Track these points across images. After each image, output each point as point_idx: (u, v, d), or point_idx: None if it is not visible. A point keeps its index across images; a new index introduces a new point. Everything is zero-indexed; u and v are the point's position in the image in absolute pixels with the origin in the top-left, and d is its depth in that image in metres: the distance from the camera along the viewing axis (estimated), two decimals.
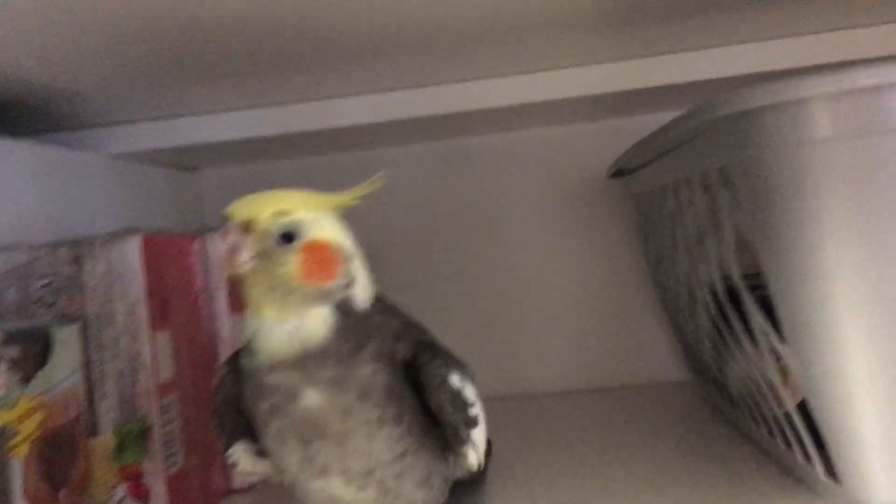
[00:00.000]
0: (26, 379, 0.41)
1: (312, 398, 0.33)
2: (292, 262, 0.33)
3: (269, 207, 0.34)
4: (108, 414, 0.48)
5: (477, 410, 0.37)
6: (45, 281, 0.49)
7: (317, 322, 0.33)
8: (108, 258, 0.48)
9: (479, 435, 0.37)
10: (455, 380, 0.35)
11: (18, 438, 0.40)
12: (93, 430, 0.48)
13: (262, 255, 0.33)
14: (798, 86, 0.33)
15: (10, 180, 0.54)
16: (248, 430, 0.38)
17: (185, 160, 0.78)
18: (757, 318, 0.41)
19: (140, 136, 0.68)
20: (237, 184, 0.83)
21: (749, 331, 0.43)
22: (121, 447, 0.48)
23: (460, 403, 0.35)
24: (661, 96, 0.68)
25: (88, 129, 0.68)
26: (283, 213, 0.34)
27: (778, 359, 0.41)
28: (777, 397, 0.43)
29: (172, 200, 0.78)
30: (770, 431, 0.48)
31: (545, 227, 0.79)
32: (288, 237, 0.33)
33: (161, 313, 0.50)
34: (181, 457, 0.50)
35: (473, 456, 0.37)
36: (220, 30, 0.48)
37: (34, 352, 0.42)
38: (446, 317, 0.80)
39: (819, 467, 0.41)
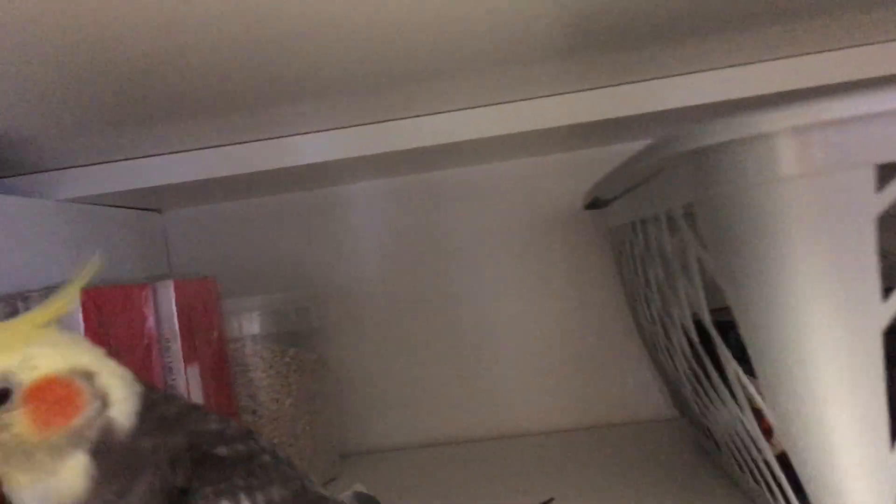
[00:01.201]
0: None
1: None
2: (18, 422, 0.28)
3: None
4: None
5: None
6: None
7: (70, 476, 0.28)
8: None
9: None
10: None
11: None
12: None
13: None
14: (760, 120, 0.31)
15: None
16: None
17: (147, 202, 0.76)
18: (732, 366, 0.38)
19: (95, 180, 0.65)
20: (203, 224, 0.81)
21: (725, 377, 0.41)
22: None
23: None
24: (636, 125, 0.66)
25: (39, 173, 0.65)
26: None
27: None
28: (757, 446, 0.41)
29: (136, 242, 0.76)
30: (754, 477, 0.46)
31: (519, 262, 0.77)
32: (1, 397, 0.28)
33: None
34: None
35: None
36: (177, 70, 0.46)
37: None
38: (417, 357, 0.78)
39: None
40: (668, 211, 0.40)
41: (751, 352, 0.35)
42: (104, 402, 0.29)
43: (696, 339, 0.42)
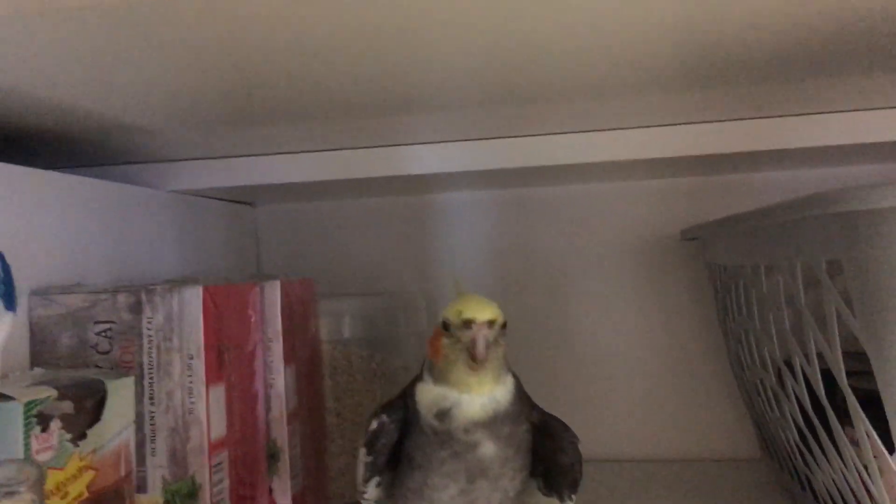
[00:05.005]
0: (79, 436, 0.39)
1: (489, 449, 0.42)
2: (503, 345, 0.43)
3: (492, 307, 0.43)
4: (156, 471, 0.46)
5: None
6: (102, 327, 0.47)
7: (506, 390, 0.43)
8: (168, 307, 0.47)
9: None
10: (579, 446, 0.45)
11: (67, 500, 0.38)
12: (140, 487, 0.46)
13: (493, 345, 0.42)
14: None
15: (71, 215, 0.53)
16: (387, 465, 0.46)
17: (243, 196, 0.77)
18: (861, 427, 0.37)
19: (200, 174, 0.67)
20: (293, 220, 0.82)
21: (830, 432, 0.40)
22: None
23: (581, 463, 0.45)
24: (741, 159, 0.65)
25: (148, 164, 0.67)
26: (496, 308, 0.43)
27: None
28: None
29: (229, 235, 0.77)
30: None
31: (614, 285, 0.77)
32: (504, 326, 0.43)
33: (217, 366, 0.48)
34: None
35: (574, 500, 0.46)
36: (292, 77, 0.46)
37: (88, 406, 0.40)
38: None
39: None
40: (807, 263, 0.39)
41: (889, 410, 0.35)
42: None
43: (822, 392, 0.41)
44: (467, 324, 0.42)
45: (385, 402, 0.46)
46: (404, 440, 0.45)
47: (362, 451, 0.45)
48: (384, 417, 0.45)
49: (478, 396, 0.42)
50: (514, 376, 0.44)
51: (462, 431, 0.42)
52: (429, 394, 0.43)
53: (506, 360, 0.44)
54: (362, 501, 0.47)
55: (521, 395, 0.44)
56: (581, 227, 0.77)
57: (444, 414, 0.42)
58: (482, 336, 0.41)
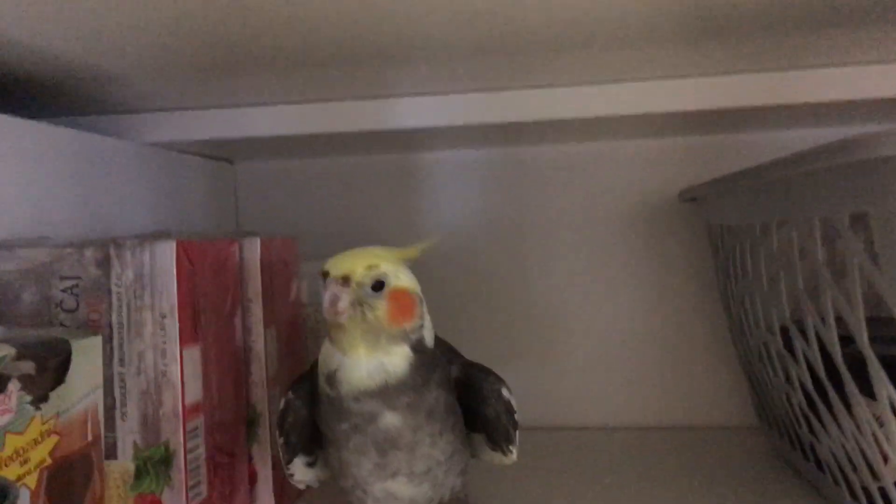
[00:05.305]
0: (41, 398, 0.36)
1: (391, 419, 0.39)
2: (381, 308, 0.39)
3: (361, 263, 0.39)
4: (127, 436, 0.43)
5: (518, 416, 0.43)
6: (68, 283, 0.44)
7: (398, 359, 0.39)
8: (139, 262, 0.43)
9: (518, 435, 0.44)
10: (505, 392, 0.43)
11: (28, 466, 0.35)
12: (110, 454, 0.43)
13: (357, 304, 0.39)
14: None
15: (37, 166, 0.49)
16: (304, 447, 0.44)
17: (222, 152, 0.73)
18: (886, 391, 0.35)
19: (176, 126, 0.63)
20: (274, 178, 0.79)
21: (845, 395, 0.38)
22: (140, 474, 0.43)
23: (511, 411, 0.43)
24: (740, 117, 0.62)
25: (121, 114, 0.63)
26: (372, 266, 0.39)
27: (880, 425, 0.36)
28: (874, 471, 0.38)
29: (207, 192, 0.73)
30: (853, 496, 0.43)
31: (605, 248, 0.74)
32: (377, 286, 0.39)
33: (192, 326, 0.45)
34: (204, 487, 0.46)
35: (515, 452, 0.44)
36: (276, 23, 0.43)
37: (51, 366, 0.37)
38: (490, 337, 0.75)
39: None
40: (826, 218, 0.37)
41: None
42: (422, 324, 0.41)
43: (839, 354, 0.39)
44: (324, 277, 0.39)
45: (298, 375, 0.44)
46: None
47: (276, 432, 0.44)
48: (290, 394, 0.43)
49: (364, 361, 0.39)
50: (418, 341, 0.40)
51: (352, 400, 0.39)
52: (323, 355, 0.41)
53: (406, 322, 0.40)
54: (294, 483, 0.45)
55: (424, 361, 0.40)
56: (574, 189, 0.74)
57: (332, 378, 0.40)
58: (330, 293, 0.38)
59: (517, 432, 0.43)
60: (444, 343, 0.44)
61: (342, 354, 0.39)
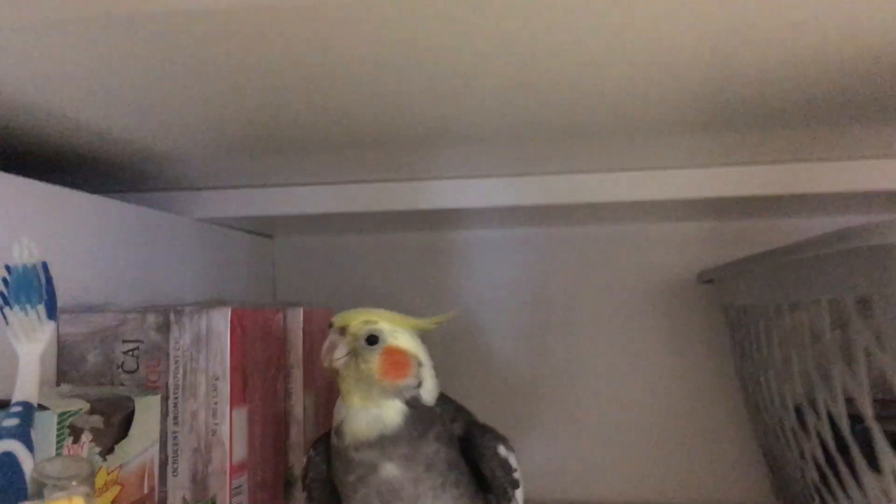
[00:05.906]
0: (107, 450, 0.39)
1: (390, 470, 0.41)
2: (374, 361, 0.42)
3: (360, 317, 0.43)
4: (177, 490, 0.46)
5: (518, 475, 0.45)
6: (130, 346, 0.47)
7: (392, 412, 0.42)
8: (195, 328, 0.47)
9: (520, 494, 0.45)
10: (502, 450, 0.44)
11: None
12: None
13: (353, 354, 0.43)
14: None
15: (102, 238, 0.53)
16: (329, 500, 0.46)
17: (263, 228, 0.78)
18: (889, 460, 0.38)
19: (224, 203, 0.68)
20: (310, 252, 0.83)
21: (856, 470, 0.40)
22: None
23: (507, 468, 0.44)
24: (757, 204, 0.66)
25: (173, 191, 0.68)
26: (369, 322, 0.43)
27: (889, 500, 0.38)
28: None
29: (249, 265, 0.78)
30: None
31: (626, 326, 0.77)
32: (372, 340, 0.43)
33: (241, 388, 0.48)
34: None
35: None
36: (319, 110, 0.48)
37: (116, 421, 0.40)
38: (515, 409, 0.78)
39: None
40: (834, 301, 0.40)
41: None
42: (420, 383, 0.43)
43: (847, 429, 0.41)
44: (330, 327, 0.43)
45: (320, 434, 0.47)
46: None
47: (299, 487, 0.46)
48: (311, 451, 0.46)
49: (364, 411, 0.42)
50: (413, 398, 0.43)
51: (353, 450, 0.42)
52: (335, 410, 0.44)
53: (398, 379, 0.42)
54: None
55: (420, 416, 0.42)
56: (598, 268, 0.77)
57: (339, 429, 0.43)
58: (329, 340, 0.43)
59: (516, 491, 0.45)
60: (451, 402, 0.47)
61: (347, 406, 0.42)
